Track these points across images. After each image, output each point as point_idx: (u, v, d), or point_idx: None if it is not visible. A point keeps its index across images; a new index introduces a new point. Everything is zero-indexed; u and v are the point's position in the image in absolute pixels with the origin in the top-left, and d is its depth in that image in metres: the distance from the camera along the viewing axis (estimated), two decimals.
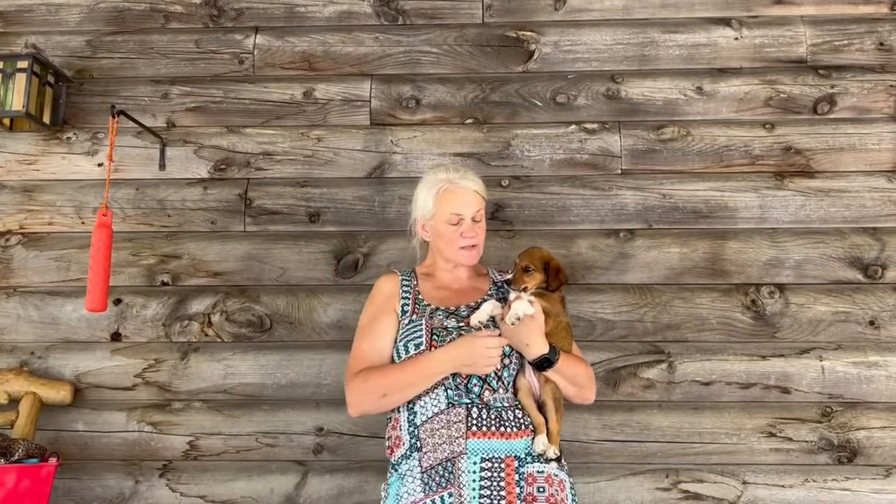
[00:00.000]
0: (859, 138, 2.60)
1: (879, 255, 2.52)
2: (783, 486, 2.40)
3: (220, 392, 2.52)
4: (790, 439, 2.43)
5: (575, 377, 1.89)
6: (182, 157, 2.69)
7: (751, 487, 2.40)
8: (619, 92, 2.68)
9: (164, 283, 2.60)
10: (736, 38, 2.70)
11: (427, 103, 2.70)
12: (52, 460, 2.31)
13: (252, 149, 2.69)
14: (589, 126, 2.66)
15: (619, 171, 2.62)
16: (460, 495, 1.69)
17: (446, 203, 1.95)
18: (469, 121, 2.68)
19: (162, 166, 2.67)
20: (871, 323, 2.48)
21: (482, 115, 2.68)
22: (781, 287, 2.52)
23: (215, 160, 2.68)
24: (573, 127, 2.66)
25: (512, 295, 1.87)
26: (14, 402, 2.43)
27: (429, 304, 1.93)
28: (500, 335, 1.81)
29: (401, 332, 1.89)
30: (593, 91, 2.68)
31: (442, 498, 1.71)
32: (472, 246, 1.98)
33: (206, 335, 2.56)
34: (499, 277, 2.07)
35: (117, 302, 2.57)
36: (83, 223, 2.64)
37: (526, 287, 1.85)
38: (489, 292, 2.00)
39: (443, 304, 1.94)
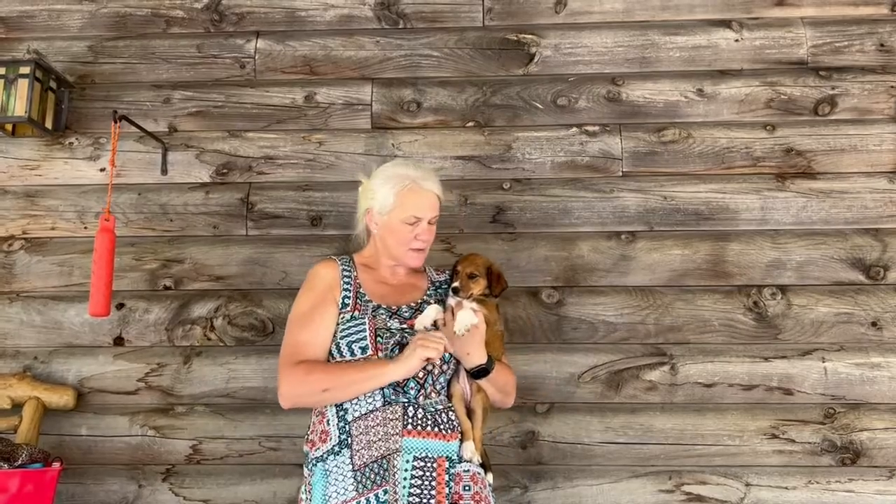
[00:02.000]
0: (860, 139, 2.60)
1: (881, 256, 2.52)
2: (786, 488, 2.40)
3: (223, 396, 2.52)
4: (793, 441, 2.42)
5: (504, 385, 1.94)
6: (184, 162, 2.69)
7: (754, 489, 2.40)
8: (620, 94, 2.68)
9: (166, 288, 2.60)
10: (736, 40, 2.70)
11: (428, 107, 2.70)
12: (56, 465, 2.31)
13: (254, 153, 2.69)
14: (590, 128, 2.66)
15: (621, 174, 2.63)
16: (395, 493, 1.68)
17: (407, 203, 1.90)
18: (470, 124, 2.68)
19: (164, 171, 2.68)
20: (874, 324, 2.48)
21: (483, 118, 2.69)
22: (783, 288, 2.52)
23: (217, 164, 2.69)
24: (574, 129, 2.66)
25: (452, 300, 1.88)
26: (17, 406, 2.43)
27: (370, 301, 1.90)
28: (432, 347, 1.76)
29: (341, 327, 1.85)
30: (594, 93, 2.68)
31: (376, 496, 1.69)
32: (422, 249, 1.96)
33: (209, 339, 2.56)
34: (436, 276, 2.07)
35: (120, 306, 2.58)
36: (86, 228, 2.64)
37: (471, 294, 1.87)
38: (428, 291, 2.01)
39: (383, 300, 1.92)
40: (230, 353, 2.55)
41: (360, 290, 1.91)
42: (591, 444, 2.45)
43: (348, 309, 1.87)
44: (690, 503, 2.40)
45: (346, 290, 1.90)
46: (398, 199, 1.91)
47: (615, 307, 2.53)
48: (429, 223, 1.94)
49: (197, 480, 2.48)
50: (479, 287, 1.88)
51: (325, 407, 1.82)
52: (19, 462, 2.24)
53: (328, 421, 1.81)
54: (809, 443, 2.42)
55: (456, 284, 1.87)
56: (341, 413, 1.79)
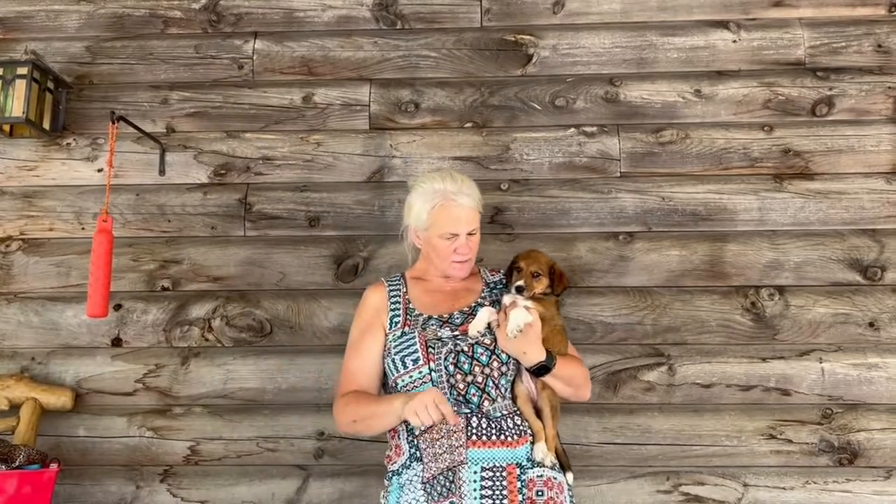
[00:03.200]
0: (858, 140, 2.60)
1: (878, 256, 2.53)
2: (784, 489, 2.40)
3: (221, 397, 2.52)
4: (791, 441, 2.43)
5: (572, 378, 1.90)
6: (182, 163, 2.69)
7: (752, 490, 2.41)
8: (618, 95, 2.68)
9: (164, 289, 2.60)
10: (734, 41, 2.70)
11: (426, 107, 2.70)
12: (53, 466, 2.30)
13: (252, 154, 2.69)
14: (588, 129, 2.66)
15: (619, 174, 2.63)
16: None
17: (442, 220, 1.90)
18: (468, 125, 2.69)
19: (162, 172, 2.67)
20: (871, 324, 2.49)
21: (481, 118, 2.69)
22: (781, 289, 2.52)
23: (215, 165, 2.69)
24: (572, 130, 2.66)
25: (507, 299, 1.87)
26: (15, 407, 2.43)
27: (420, 314, 1.91)
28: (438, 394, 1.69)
29: (394, 344, 1.86)
30: (592, 94, 2.69)
31: None
32: (465, 261, 1.96)
33: (207, 340, 2.56)
34: (490, 277, 2.06)
35: (118, 307, 2.58)
36: (83, 229, 2.64)
37: (534, 292, 1.85)
38: (482, 294, 2.00)
39: (436, 310, 1.92)
40: (228, 354, 2.55)
41: (410, 306, 1.92)
42: (588, 445, 2.45)
43: (399, 326, 1.89)
44: (688, 503, 2.41)
45: (394, 310, 1.92)
46: (432, 217, 1.91)
47: (613, 308, 2.53)
48: (469, 234, 1.93)
49: (195, 481, 2.47)
50: (541, 286, 1.87)
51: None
52: (17, 463, 2.23)
53: (399, 435, 1.84)
54: (807, 443, 2.42)
55: (521, 283, 1.84)
56: (409, 427, 1.80)
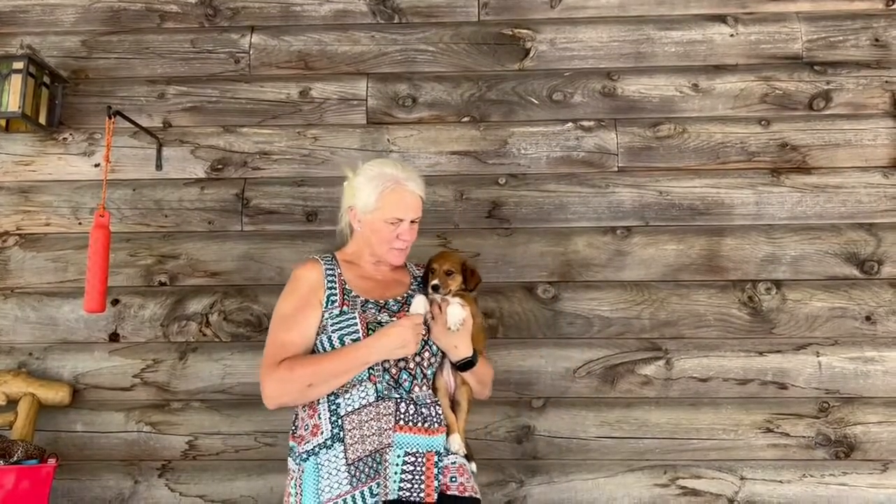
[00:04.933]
0: (855, 134, 2.61)
1: (875, 250, 2.53)
2: (781, 482, 2.41)
3: (219, 392, 2.52)
4: (787, 435, 2.44)
5: (483, 377, 1.97)
6: (179, 158, 2.68)
7: (748, 483, 2.41)
8: (616, 89, 2.68)
9: (161, 284, 2.60)
10: (731, 35, 2.70)
11: (423, 102, 2.70)
12: (51, 461, 2.31)
13: (249, 148, 2.69)
14: (585, 124, 2.66)
15: (616, 169, 2.63)
16: (386, 486, 1.72)
17: (391, 204, 1.92)
18: (465, 119, 2.68)
19: (159, 166, 2.67)
20: (868, 318, 2.49)
21: (479, 113, 2.68)
22: (778, 283, 2.53)
23: (212, 160, 2.68)
24: (569, 125, 2.66)
25: (438, 296, 1.91)
26: (12, 403, 2.43)
27: (357, 296, 1.91)
28: (420, 316, 1.84)
29: (332, 322, 1.86)
30: (589, 88, 2.68)
31: (370, 489, 1.73)
32: (404, 248, 1.99)
33: (205, 335, 2.56)
34: (417, 272, 2.08)
35: (115, 302, 2.57)
36: (80, 224, 2.64)
37: (450, 290, 1.90)
38: (412, 286, 2.02)
39: (369, 295, 1.93)
40: (226, 349, 2.55)
41: (346, 287, 1.92)
42: (586, 439, 2.46)
43: (336, 305, 1.88)
44: (685, 497, 2.41)
45: (330, 288, 1.91)
46: (380, 200, 1.92)
47: (610, 302, 2.54)
48: (411, 223, 1.96)
49: (193, 476, 2.48)
50: (455, 283, 1.92)
51: (318, 401, 1.83)
52: (15, 459, 2.24)
53: (319, 415, 1.82)
54: (804, 437, 2.43)
55: (436, 282, 1.90)
56: (333, 407, 1.81)
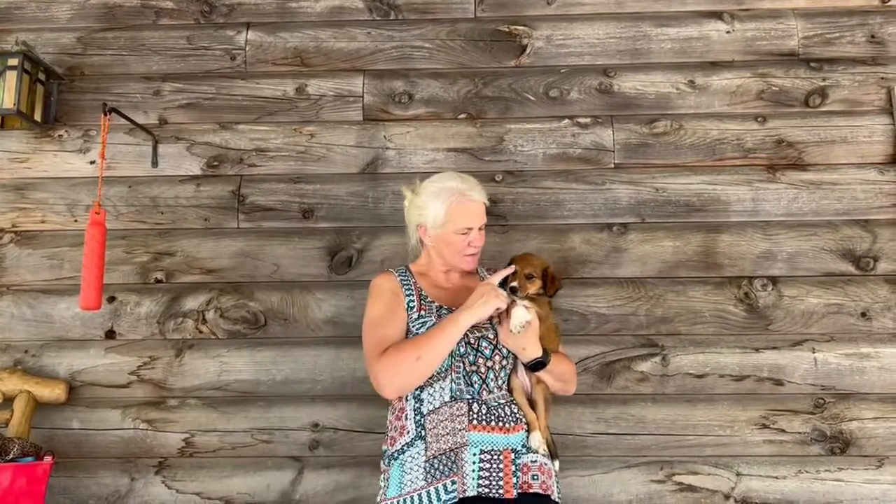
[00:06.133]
0: (851, 131, 2.61)
1: (871, 247, 2.54)
2: (777, 478, 2.42)
3: (215, 389, 2.52)
4: (783, 431, 2.44)
5: (562, 374, 2.01)
6: (174, 154, 2.68)
7: (744, 479, 2.42)
8: (612, 86, 2.68)
9: (157, 281, 2.60)
10: (728, 32, 2.70)
11: (420, 98, 2.69)
12: (48, 459, 2.30)
13: (245, 145, 2.68)
14: (582, 120, 2.66)
15: (612, 166, 2.63)
16: (463, 483, 1.77)
17: (459, 216, 2.00)
18: (462, 116, 2.68)
19: (154, 163, 2.66)
20: (864, 314, 2.50)
21: (475, 110, 2.68)
22: (774, 280, 2.53)
23: (208, 157, 2.68)
24: (566, 121, 2.66)
25: (515, 298, 1.94)
26: (8, 400, 2.43)
27: (433, 302, 1.99)
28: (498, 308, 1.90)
29: (412, 325, 1.94)
30: (586, 85, 2.68)
31: (444, 486, 1.78)
32: (475, 253, 2.06)
33: (201, 332, 2.56)
34: (486, 275, 2.13)
35: (111, 300, 2.57)
36: (76, 221, 2.63)
37: (527, 293, 1.94)
38: None
39: (442, 301, 2.01)
40: (222, 346, 2.55)
41: (423, 293, 2.01)
42: (582, 435, 2.46)
43: (414, 310, 1.96)
44: (682, 493, 2.42)
45: (408, 295, 1.99)
46: (449, 214, 2.00)
47: (607, 299, 2.54)
48: (479, 229, 2.04)
49: (189, 473, 2.48)
50: (534, 287, 1.95)
51: (405, 401, 1.90)
52: (11, 456, 2.23)
53: (406, 416, 1.90)
54: (799, 433, 2.44)
55: (514, 284, 1.93)
56: (417, 405, 1.88)
